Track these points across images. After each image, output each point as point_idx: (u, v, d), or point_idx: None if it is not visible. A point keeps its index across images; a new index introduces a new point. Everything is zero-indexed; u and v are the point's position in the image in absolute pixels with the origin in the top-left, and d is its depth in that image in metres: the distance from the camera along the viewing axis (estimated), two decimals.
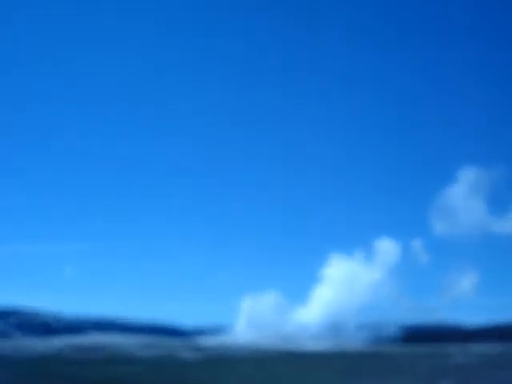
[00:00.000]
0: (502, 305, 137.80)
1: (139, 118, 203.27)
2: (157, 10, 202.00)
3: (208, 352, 69.37)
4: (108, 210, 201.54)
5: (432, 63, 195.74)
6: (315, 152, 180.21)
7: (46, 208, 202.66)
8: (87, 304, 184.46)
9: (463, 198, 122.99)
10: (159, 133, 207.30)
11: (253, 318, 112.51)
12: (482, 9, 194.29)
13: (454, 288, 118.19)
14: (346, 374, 46.43)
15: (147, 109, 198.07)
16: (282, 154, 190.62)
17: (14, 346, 77.02)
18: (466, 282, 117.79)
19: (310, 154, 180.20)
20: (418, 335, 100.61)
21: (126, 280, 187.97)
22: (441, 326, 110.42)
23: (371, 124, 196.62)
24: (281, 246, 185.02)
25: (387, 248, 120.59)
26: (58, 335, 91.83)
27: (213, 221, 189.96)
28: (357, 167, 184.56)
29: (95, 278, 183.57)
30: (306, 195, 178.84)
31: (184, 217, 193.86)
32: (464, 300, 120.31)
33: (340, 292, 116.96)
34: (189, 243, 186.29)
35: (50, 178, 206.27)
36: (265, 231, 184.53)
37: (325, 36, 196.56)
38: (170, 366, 54.62)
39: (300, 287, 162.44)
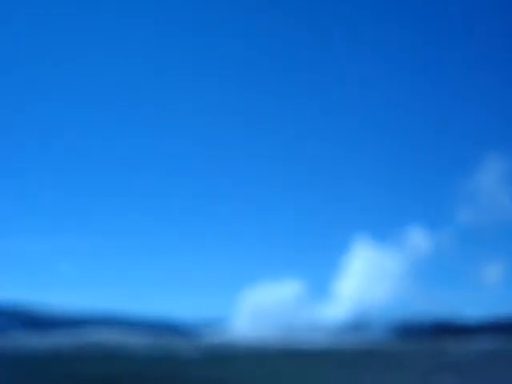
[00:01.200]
0: None
1: (138, 116, 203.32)
2: (157, 9, 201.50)
3: (211, 349, 68.70)
4: (104, 206, 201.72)
5: (458, 50, 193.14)
6: (340, 136, 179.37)
7: (43, 203, 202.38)
8: (85, 300, 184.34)
9: (491, 187, 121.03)
10: (158, 131, 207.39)
11: (260, 311, 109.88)
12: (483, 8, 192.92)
13: (481, 280, 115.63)
14: (349, 369, 45.66)
15: (147, 108, 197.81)
16: (302, 135, 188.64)
17: (10, 342, 76.33)
18: (494, 274, 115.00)
19: (334, 137, 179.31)
20: (434, 330, 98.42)
21: (124, 275, 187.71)
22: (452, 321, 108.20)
23: (396, 110, 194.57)
24: (295, 231, 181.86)
25: (412, 237, 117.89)
26: (55, 331, 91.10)
27: (214, 200, 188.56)
28: (383, 153, 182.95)
29: (93, 274, 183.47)
30: (328, 179, 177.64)
31: (182, 205, 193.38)
32: (492, 292, 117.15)
33: (361, 283, 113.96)
34: (189, 232, 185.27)
35: (48, 174, 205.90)
36: (279, 214, 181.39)
37: (326, 35, 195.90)
38: (170, 364, 53.93)
39: (316, 277, 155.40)
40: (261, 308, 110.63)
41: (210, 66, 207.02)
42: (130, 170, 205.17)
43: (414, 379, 39.10)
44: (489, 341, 74.64)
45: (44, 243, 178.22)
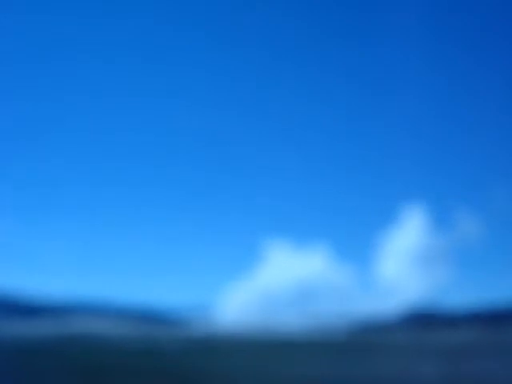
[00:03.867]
0: None
1: (135, 112, 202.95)
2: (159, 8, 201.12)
3: (200, 339, 67.86)
4: (94, 193, 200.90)
5: None
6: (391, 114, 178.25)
7: (32, 187, 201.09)
8: (67, 287, 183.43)
9: None
10: (154, 127, 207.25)
11: (254, 299, 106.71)
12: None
13: None
14: (340, 359, 44.97)
15: (142, 107, 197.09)
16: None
17: None
18: None
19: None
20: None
21: (108, 262, 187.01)
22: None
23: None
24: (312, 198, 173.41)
25: (461, 220, 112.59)
26: (37, 320, 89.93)
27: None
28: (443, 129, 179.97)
29: (77, 261, 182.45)
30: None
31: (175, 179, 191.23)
32: None
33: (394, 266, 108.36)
34: (177, 211, 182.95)
35: (33, 157, 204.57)
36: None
37: (329, 32, 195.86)
38: (156, 355, 53.06)
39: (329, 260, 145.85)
40: (255, 295, 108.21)
41: (211, 65, 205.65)
42: (115, 155, 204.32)
43: (404, 368, 38.14)
44: (476, 330, 74.17)
45: (28, 228, 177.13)
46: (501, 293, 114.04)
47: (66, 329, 74.53)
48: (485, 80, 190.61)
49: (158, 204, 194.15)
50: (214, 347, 59.63)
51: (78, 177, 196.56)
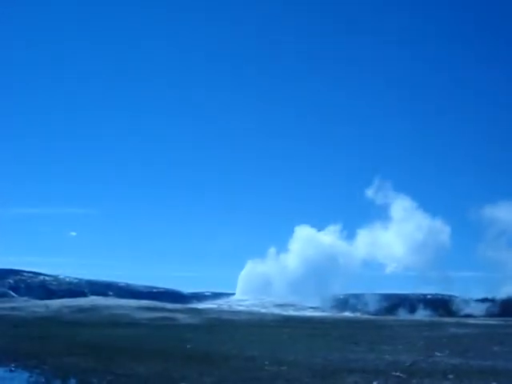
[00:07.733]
0: None
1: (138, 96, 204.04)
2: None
3: (208, 315, 69.11)
4: (109, 173, 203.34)
5: None
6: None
7: (49, 171, 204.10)
8: (88, 267, 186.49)
9: None
10: (161, 108, 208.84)
11: (261, 282, 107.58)
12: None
13: None
14: (342, 340, 45.94)
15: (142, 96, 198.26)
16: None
17: (13, 307, 77.01)
18: None
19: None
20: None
21: (127, 244, 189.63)
22: None
23: None
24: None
25: None
26: (58, 298, 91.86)
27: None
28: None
29: (96, 242, 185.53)
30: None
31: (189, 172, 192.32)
32: None
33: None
34: (194, 202, 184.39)
35: (53, 142, 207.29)
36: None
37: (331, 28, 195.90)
38: (169, 329, 54.39)
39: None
40: (262, 279, 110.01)
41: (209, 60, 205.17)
42: (131, 137, 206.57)
43: (410, 352, 39.12)
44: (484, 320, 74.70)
45: (48, 211, 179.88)
46: None
47: (86, 305, 76.40)
48: None
49: (176, 185, 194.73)
50: (227, 323, 60.98)
51: (98, 163, 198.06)
